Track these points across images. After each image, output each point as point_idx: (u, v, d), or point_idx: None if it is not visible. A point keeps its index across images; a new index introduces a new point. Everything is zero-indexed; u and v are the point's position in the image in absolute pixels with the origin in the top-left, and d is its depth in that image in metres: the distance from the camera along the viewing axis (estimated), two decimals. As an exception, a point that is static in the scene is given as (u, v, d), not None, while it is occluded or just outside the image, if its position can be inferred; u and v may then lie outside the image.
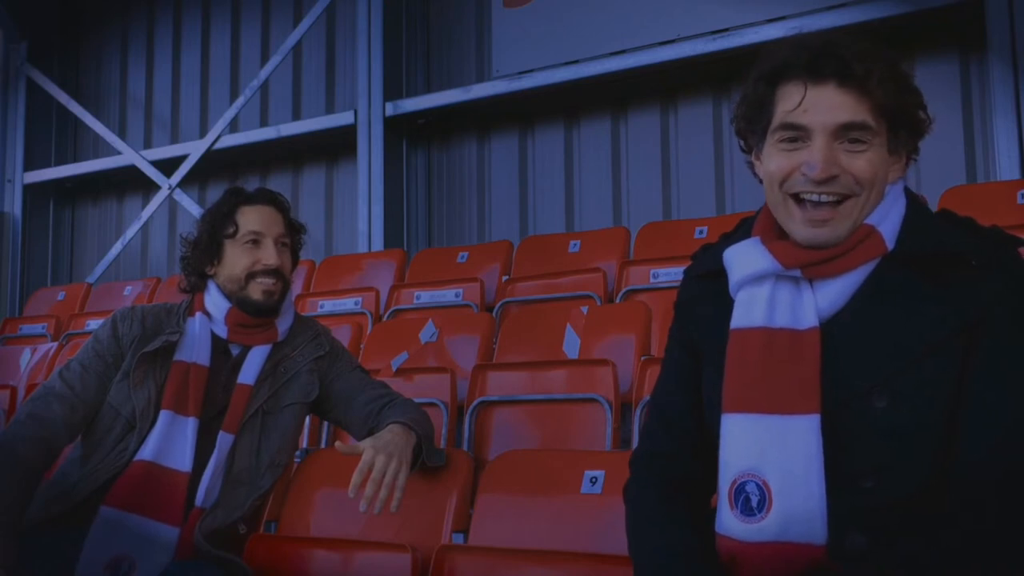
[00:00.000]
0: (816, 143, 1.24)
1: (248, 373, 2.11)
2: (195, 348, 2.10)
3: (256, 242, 2.13)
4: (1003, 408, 1.18)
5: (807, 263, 1.27)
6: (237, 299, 2.13)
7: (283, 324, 2.20)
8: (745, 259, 1.33)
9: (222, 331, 2.15)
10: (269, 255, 2.13)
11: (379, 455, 1.82)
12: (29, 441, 1.92)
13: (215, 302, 2.15)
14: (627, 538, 1.38)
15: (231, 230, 2.14)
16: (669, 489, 1.38)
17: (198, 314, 2.15)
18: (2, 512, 1.79)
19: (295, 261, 2.26)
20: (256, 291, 2.12)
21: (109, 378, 2.08)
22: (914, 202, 1.32)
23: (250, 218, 2.15)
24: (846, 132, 1.24)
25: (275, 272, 2.13)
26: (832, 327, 1.26)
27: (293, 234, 2.23)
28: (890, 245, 1.26)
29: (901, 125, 1.27)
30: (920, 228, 1.28)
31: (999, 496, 1.15)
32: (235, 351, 2.17)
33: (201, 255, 2.17)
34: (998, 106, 4.22)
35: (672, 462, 1.40)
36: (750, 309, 1.31)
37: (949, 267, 1.22)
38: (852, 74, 1.22)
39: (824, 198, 1.25)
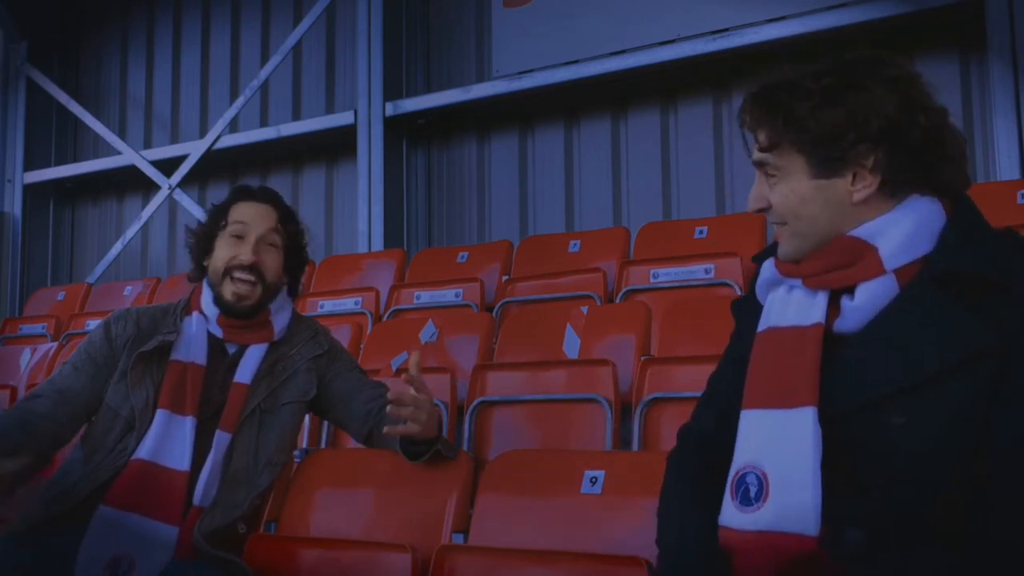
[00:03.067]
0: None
1: (244, 372, 2.10)
2: (192, 347, 2.10)
3: (239, 237, 2.12)
4: None
5: (798, 274, 1.33)
6: (215, 295, 2.13)
7: (279, 323, 2.18)
8: (765, 267, 1.41)
9: (217, 331, 2.15)
10: (245, 251, 2.10)
11: (426, 410, 1.93)
12: (5, 417, 1.97)
13: (207, 303, 2.15)
14: (659, 498, 1.47)
15: (222, 223, 2.14)
16: (706, 466, 1.42)
17: (195, 314, 2.15)
18: None
19: (301, 263, 2.24)
20: (227, 290, 2.10)
21: (101, 379, 2.08)
22: (959, 217, 1.29)
23: (240, 213, 2.14)
24: (762, 167, 1.34)
25: (250, 269, 2.10)
26: (855, 336, 1.27)
27: (288, 236, 2.19)
28: (893, 260, 1.25)
29: (816, 152, 1.28)
30: (955, 246, 1.25)
31: (1018, 520, 1.14)
32: (231, 350, 2.16)
33: (198, 246, 2.18)
34: (998, 106, 4.21)
35: (713, 441, 1.43)
36: (769, 312, 1.37)
37: (985, 289, 1.20)
38: (744, 122, 1.35)
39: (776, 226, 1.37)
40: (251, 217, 2.13)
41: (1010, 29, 4.17)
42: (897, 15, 4.37)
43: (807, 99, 1.28)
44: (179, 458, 1.99)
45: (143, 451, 1.97)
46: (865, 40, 4.48)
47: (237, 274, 2.09)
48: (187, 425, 2.02)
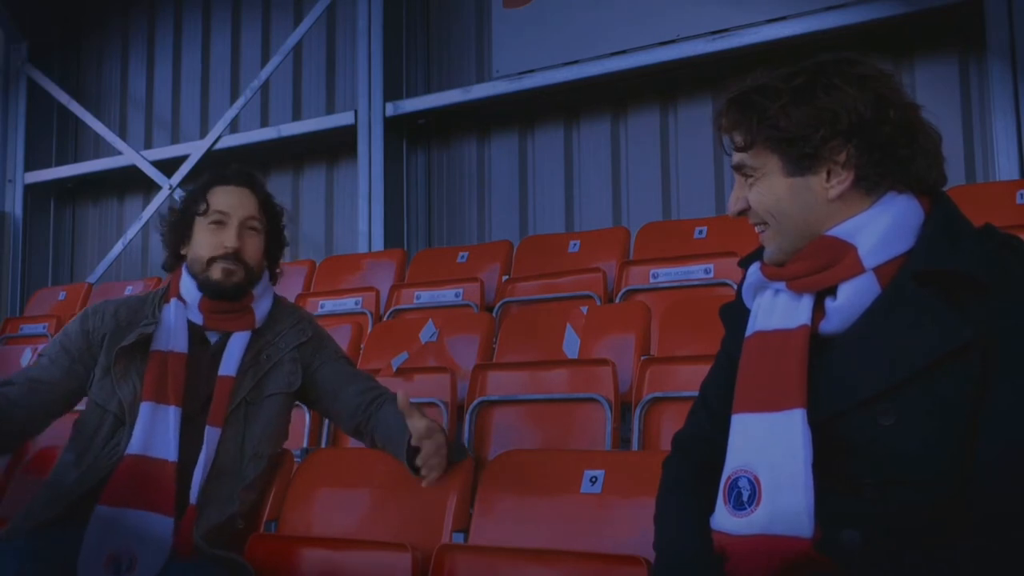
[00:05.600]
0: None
1: (229, 364, 2.07)
2: (171, 336, 2.06)
3: (220, 223, 2.09)
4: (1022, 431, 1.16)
5: (782, 277, 1.34)
6: (200, 281, 2.10)
7: (260, 310, 2.15)
8: (750, 271, 1.42)
9: (197, 318, 2.11)
10: (229, 237, 2.08)
11: (437, 434, 1.88)
12: None
13: (188, 288, 2.12)
14: (655, 504, 1.47)
15: (202, 208, 2.10)
16: (701, 471, 1.43)
17: (173, 300, 2.11)
18: None
19: (280, 245, 2.22)
20: (215, 271, 2.07)
21: (75, 373, 2.05)
22: (937, 214, 1.29)
23: (219, 198, 2.11)
24: (740, 169, 1.37)
25: (233, 256, 2.08)
26: (841, 338, 1.28)
27: (268, 217, 2.17)
28: (871, 259, 1.26)
29: (789, 151, 1.30)
30: (934, 244, 1.25)
31: (1013, 517, 1.14)
32: (213, 339, 2.12)
33: (174, 234, 2.14)
34: (997, 106, 4.22)
35: (708, 446, 1.44)
36: (756, 317, 1.38)
37: (965, 286, 1.20)
38: (721, 126, 1.38)
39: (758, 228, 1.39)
40: (231, 204, 2.10)
41: (1009, 29, 4.18)
42: (897, 15, 4.38)
43: (778, 98, 1.30)
44: (165, 448, 1.96)
45: (134, 446, 1.95)
46: (865, 40, 4.49)
47: (221, 263, 2.08)
48: (171, 415, 1.99)
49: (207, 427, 2.00)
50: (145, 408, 1.98)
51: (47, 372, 2.04)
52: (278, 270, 2.27)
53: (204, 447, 1.98)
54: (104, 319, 2.10)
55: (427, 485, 1.89)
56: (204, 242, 2.09)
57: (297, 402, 2.24)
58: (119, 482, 1.93)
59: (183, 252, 2.15)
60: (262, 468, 2.09)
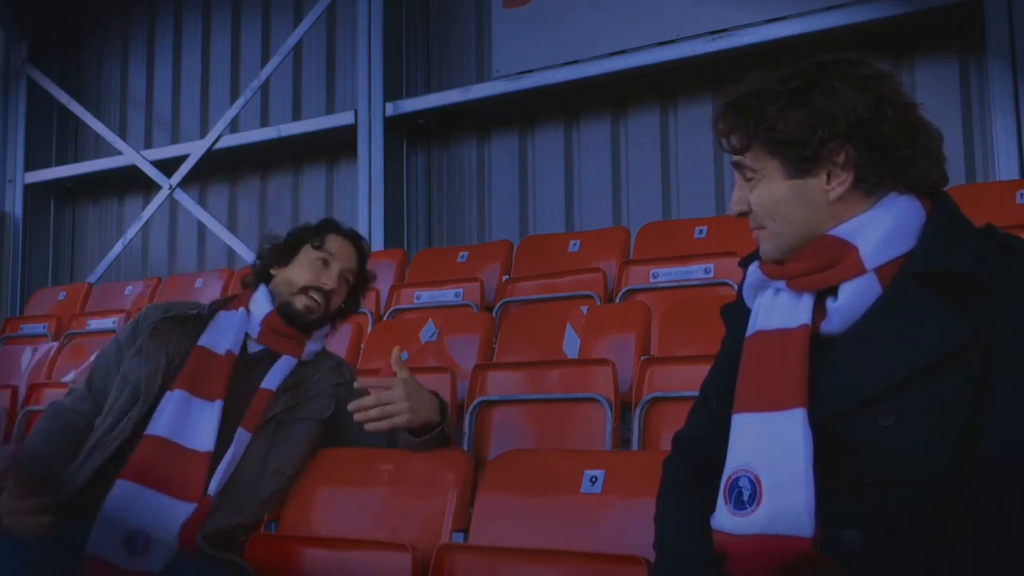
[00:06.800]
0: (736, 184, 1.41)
1: (272, 380, 2.17)
2: (224, 337, 2.19)
3: (326, 262, 2.27)
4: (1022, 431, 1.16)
5: (782, 276, 1.34)
6: (280, 303, 2.23)
7: (311, 347, 2.28)
8: (750, 270, 1.42)
9: (255, 329, 2.23)
10: (330, 277, 2.25)
11: (402, 402, 2.03)
12: (55, 421, 2.12)
13: (259, 302, 2.25)
14: (655, 504, 1.47)
15: (316, 242, 2.29)
16: (701, 471, 1.43)
17: (241, 309, 2.25)
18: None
19: (353, 308, 2.38)
20: (300, 301, 2.23)
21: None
22: (938, 214, 1.29)
23: (333, 242, 2.31)
24: (740, 169, 1.36)
25: (326, 295, 2.23)
26: (842, 338, 1.28)
27: (360, 279, 2.35)
28: (872, 259, 1.26)
29: (788, 153, 1.30)
30: (935, 245, 1.25)
31: (1013, 517, 1.14)
32: (252, 348, 2.24)
33: (277, 253, 2.31)
34: (997, 106, 4.22)
35: (708, 446, 1.44)
36: (757, 316, 1.37)
37: (966, 286, 1.20)
38: (719, 130, 1.37)
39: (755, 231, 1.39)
40: (341, 251, 2.31)
41: (1009, 29, 4.18)
42: (896, 15, 4.38)
43: (775, 101, 1.30)
44: (201, 440, 2.04)
45: (159, 428, 2.02)
46: (865, 40, 4.50)
47: (313, 293, 2.23)
48: (215, 410, 2.08)
49: (239, 429, 2.08)
50: (177, 396, 2.07)
51: (104, 384, 2.16)
52: (338, 327, 2.43)
53: (232, 448, 2.05)
54: (154, 312, 2.25)
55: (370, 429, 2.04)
56: (304, 271, 2.27)
57: None
58: (140, 460, 1.98)
59: (273, 272, 2.30)
60: (279, 487, 2.15)
